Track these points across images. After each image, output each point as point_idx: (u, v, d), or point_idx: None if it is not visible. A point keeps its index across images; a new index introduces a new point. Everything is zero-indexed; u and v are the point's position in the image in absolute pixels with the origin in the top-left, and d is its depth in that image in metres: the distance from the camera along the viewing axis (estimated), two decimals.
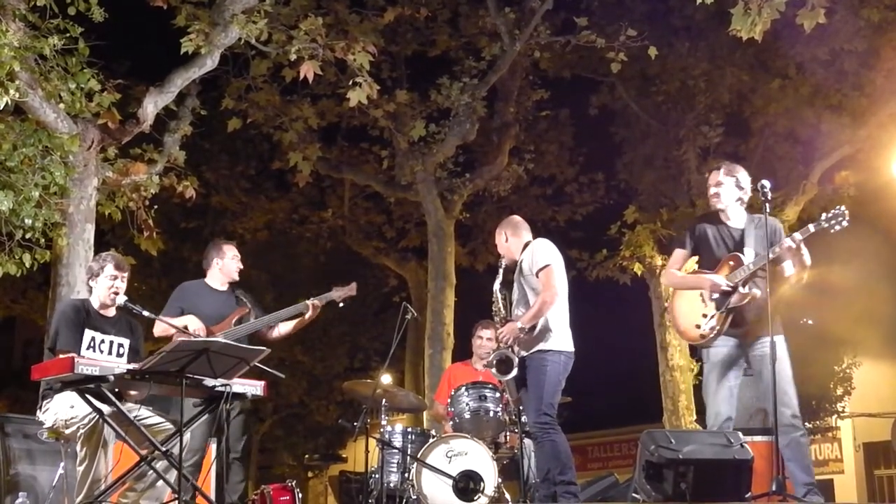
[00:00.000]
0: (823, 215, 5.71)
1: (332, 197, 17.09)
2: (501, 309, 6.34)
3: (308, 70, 9.28)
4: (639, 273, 14.04)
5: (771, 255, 5.69)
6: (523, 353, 6.13)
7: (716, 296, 5.88)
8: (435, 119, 12.91)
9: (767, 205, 5.77)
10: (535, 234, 6.53)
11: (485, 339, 7.88)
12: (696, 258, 6.23)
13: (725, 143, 14.05)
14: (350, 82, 9.73)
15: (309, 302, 6.94)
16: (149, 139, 9.43)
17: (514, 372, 6.08)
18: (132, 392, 5.55)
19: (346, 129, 14.59)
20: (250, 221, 17.19)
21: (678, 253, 6.24)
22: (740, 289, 5.76)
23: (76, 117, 8.32)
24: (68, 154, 8.04)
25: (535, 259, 6.20)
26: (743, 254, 5.85)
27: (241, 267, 7.16)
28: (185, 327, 6.46)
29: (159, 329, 6.60)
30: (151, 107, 8.86)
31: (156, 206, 9.63)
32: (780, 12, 7.61)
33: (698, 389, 13.47)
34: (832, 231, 5.65)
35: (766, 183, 5.79)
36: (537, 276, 6.15)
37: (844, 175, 13.29)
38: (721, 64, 13.40)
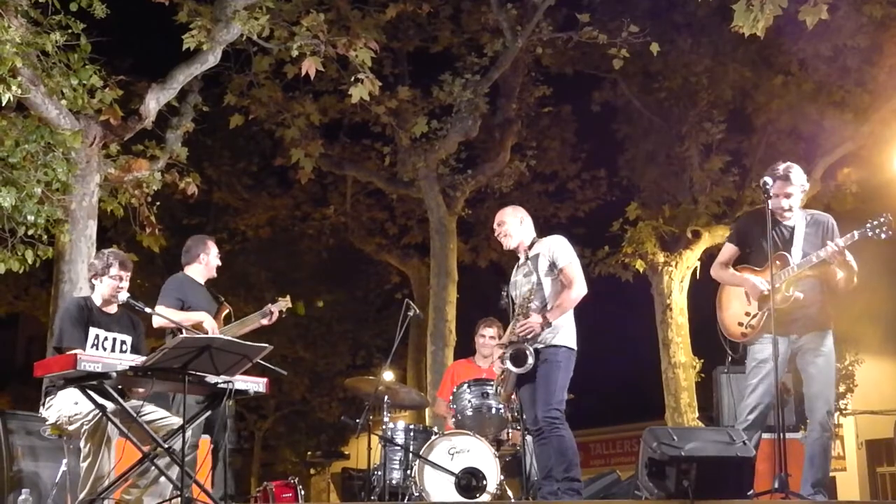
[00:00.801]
0: (868, 223, 5.59)
1: (335, 194, 17.09)
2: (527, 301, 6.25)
3: (310, 66, 9.28)
4: (641, 270, 14.03)
5: (815, 260, 5.64)
6: (537, 346, 6.08)
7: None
8: (437, 115, 12.90)
9: (769, 201, 5.74)
10: (538, 231, 6.51)
11: (487, 338, 7.87)
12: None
13: (728, 140, 14.04)
14: (352, 79, 9.72)
15: (273, 307, 7.19)
16: (151, 136, 9.44)
17: (529, 366, 6.04)
18: (140, 389, 5.55)
19: (347, 125, 14.59)
20: (252, 218, 17.20)
21: (726, 248, 6.16)
22: (784, 292, 5.67)
23: (78, 114, 8.32)
24: (70, 150, 8.04)
25: (558, 255, 6.18)
26: (790, 254, 5.75)
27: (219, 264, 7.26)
28: (201, 324, 6.55)
29: (162, 322, 6.58)
30: (153, 103, 8.86)
31: (158, 203, 9.64)
32: (783, 8, 7.59)
33: (701, 386, 13.49)
34: (876, 239, 5.55)
35: (769, 180, 5.77)
36: (558, 273, 6.14)
37: (847, 172, 13.28)
38: (723, 60, 13.38)
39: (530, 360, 6.01)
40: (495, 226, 6.45)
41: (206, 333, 6.53)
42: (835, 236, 5.76)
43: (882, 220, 5.57)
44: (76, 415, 5.46)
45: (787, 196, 5.85)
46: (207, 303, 6.97)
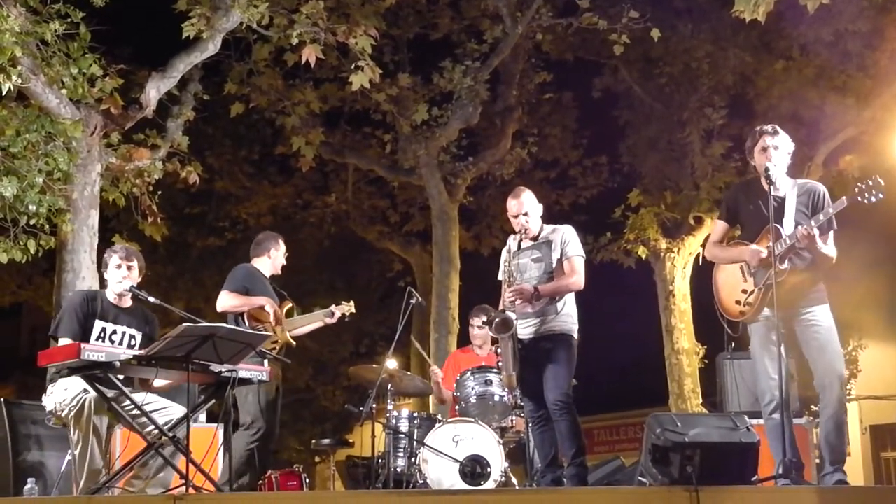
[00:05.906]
0: (857, 186, 5.44)
1: (336, 181, 17.05)
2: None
3: (310, 54, 9.27)
4: (643, 256, 14.03)
5: (809, 231, 5.43)
6: (556, 330, 6.09)
7: (755, 270, 5.65)
8: (437, 103, 12.89)
9: (771, 187, 5.69)
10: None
11: (476, 329, 7.94)
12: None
13: (729, 126, 13.99)
14: (352, 66, 9.71)
15: (336, 309, 7.36)
16: (152, 124, 9.44)
17: (512, 331, 5.99)
18: (158, 383, 5.58)
19: (348, 113, 14.54)
20: (254, 206, 17.17)
21: (718, 225, 6.03)
22: (778, 265, 5.49)
23: (79, 103, 8.32)
24: (71, 140, 8.05)
25: (569, 246, 6.18)
26: (782, 225, 5.59)
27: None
28: (262, 307, 6.65)
29: (230, 305, 6.66)
30: (154, 92, 8.86)
31: (159, 192, 9.64)
32: None
33: (704, 373, 13.50)
34: (866, 203, 5.37)
35: (770, 165, 5.73)
36: (564, 261, 6.14)
37: (849, 159, 13.22)
38: (724, 46, 13.33)
39: (515, 326, 5.98)
40: (520, 214, 6.25)
41: (269, 316, 6.65)
42: (826, 206, 5.59)
43: (871, 182, 5.42)
44: (64, 400, 5.48)
45: (775, 148, 5.74)
46: (270, 296, 6.96)
